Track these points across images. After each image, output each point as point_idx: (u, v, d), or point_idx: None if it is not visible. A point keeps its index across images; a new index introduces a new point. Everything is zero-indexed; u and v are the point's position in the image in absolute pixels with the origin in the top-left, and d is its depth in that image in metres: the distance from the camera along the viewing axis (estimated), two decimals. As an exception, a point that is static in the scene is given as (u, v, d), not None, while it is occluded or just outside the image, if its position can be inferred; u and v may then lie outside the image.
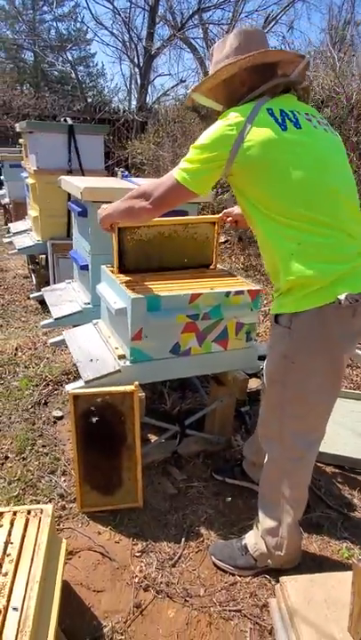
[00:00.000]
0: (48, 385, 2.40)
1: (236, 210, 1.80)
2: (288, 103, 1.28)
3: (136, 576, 1.42)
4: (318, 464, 1.98)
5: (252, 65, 1.26)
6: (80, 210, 2.09)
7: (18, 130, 3.69)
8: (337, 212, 1.21)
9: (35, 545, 1.15)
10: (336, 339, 1.23)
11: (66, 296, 2.33)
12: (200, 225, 1.90)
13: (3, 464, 1.85)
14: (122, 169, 2.61)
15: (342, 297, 1.16)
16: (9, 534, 1.17)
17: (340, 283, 1.18)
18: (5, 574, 1.07)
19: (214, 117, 1.33)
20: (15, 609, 1.00)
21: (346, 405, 2.38)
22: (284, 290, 1.25)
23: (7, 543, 1.14)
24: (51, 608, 1.08)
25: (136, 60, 9.69)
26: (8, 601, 1.02)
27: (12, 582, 1.06)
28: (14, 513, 1.24)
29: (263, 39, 1.34)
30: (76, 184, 2.05)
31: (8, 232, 4.20)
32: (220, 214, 1.87)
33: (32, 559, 1.11)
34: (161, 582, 1.41)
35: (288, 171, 1.19)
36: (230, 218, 1.83)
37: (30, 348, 2.77)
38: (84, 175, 3.24)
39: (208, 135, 1.26)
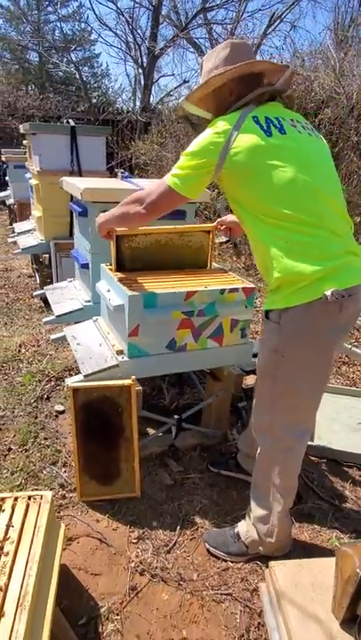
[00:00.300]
0: (50, 380, 2.47)
1: (229, 218, 1.87)
2: (274, 110, 1.34)
3: (132, 561, 1.49)
4: (312, 457, 2.04)
5: (240, 75, 1.33)
6: (80, 210, 2.15)
7: (22, 131, 3.77)
8: (322, 211, 1.27)
9: (34, 528, 1.21)
10: (324, 333, 1.28)
11: (67, 294, 2.39)
12: (195, 233, 1.95)
13: (6, 455, 1.92)
14: (122, 170, 2.67)
15: (328, 293, 1.21)
16: (10, 518, 1.23)
17: (326, 279, 1.23)
18: (7, 554, 1.14)
19: (204, 126, 1.40)
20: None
21: (340, 401, 2.43)
22: (274, 287, 1.31)
23: (8, 526, 1.21)
24: (49, 586, 1.14)
25: (140, 61, 9.75)
26: (9, 579, 1.08)
27: (13, 562, 1.12)
28: (15, 499, 1.30)
29: (250, 51, 1.42)
30: (76, 185, 2.11)
31: (13, 232, 4.28)
32: (215, 222, 1.94)
33: (32, 541, 1.18)
34: (156, 567, 1.47)
35: (274, 174, 1.25)
36: (224, 226, 1.89)
37: (34, 345, 2.84)
38: (81, 176, 3.31)
39: (197, 143, 1.33)
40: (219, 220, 1.92)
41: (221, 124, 1.30)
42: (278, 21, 8.72)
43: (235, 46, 1.38)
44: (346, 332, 1.35)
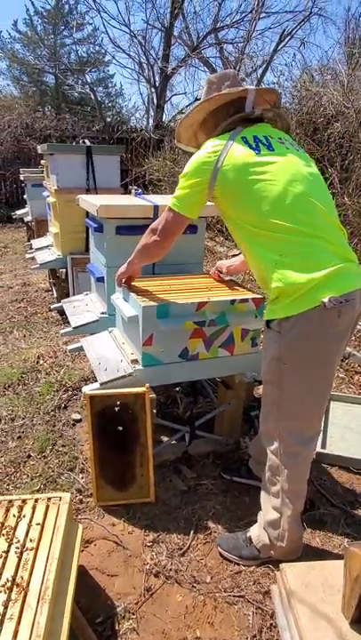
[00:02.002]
0: (67, 390, 2.55)
1: (225, 263, 2.01)
2: (262, 130, 1.44)
3: (147, 563, 1.53)
4: (324, 465, 2.06)
5: (215, 108, 1.46)
6: (96, 226, 2.25)
7: (40, 152, 3.92)
8: (315, 220, 1.33)
9: (54, 527, 1.27)
10: (324, 340, 1.33)
11: (84, 306, 2.48)
12: None
13: (26, 462, 1.99)
14: (135, 187, 2.77)
15: (326, 300, 1.26)
16: (31, 518, 1.30)
17: (323, 287, 1.28)
18: (28, 552, 1.20)
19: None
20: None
21: (353, 410, 2.45)
22: (273, 297, 1.36)
23: (29, 526, 1.27)
24: (68, 583, 1.20)
25: (152, 81, 10.02)
26: (30, 574, 1.15)
27: (34, 559, 1.19)
28: (36, 500, 1.37)
29: (224, 81, 1.52)
30: (92, 202, 2.21)
31: (30, 248, 4.43)
32: (213, 270, 2.08)
33: (52, 539, 1.24)
34: (170, 569, 1.52)
35: (263, 187, 1.33)
36: (224, 270, 2.02)
37: (51, 357, 2.93)
38: (96, 193, 3.43)
39: (190, 164, 1.44)
40: (217, 265, 2.05)
41: (211, 145, 1.41)
42: (288, 38, 8.91)
43: (211, 82, 1.52)
44: (346, 338, 1.39)
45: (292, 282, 1.30)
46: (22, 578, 1.12)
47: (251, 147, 1.38)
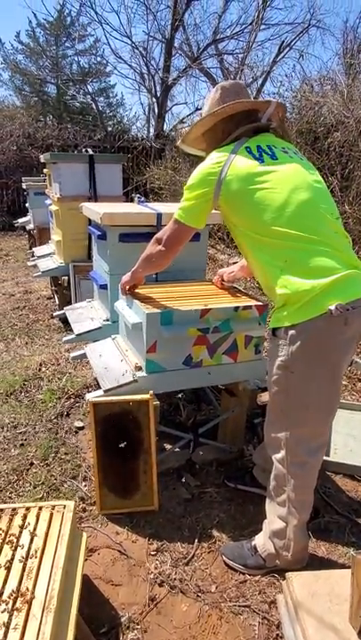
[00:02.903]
0: (70, 398, 2.54)
1: (226, 270, 2.04)
2: (265, 140, 1.46)
3: (151, 572, 1.52)
4: (328, 473, 2.05)
5: (227, 115, 1.47)
6: (99, 233, 2.26)
7: (42, 160, 3.95)
8: (320, 227, 1.34)
9: (58, 536, 1.26)
10: (331, 347, 1.33)
11: (86, 313, 2.49)
12: None
13: (28, 470, 1.98)
14: (138, 195, 2.79)
15: (333, 307, 1.26)
16: (35, 526, 1.29)
17: (329, 294, 1.28)
18: (32, 561, 1.19)
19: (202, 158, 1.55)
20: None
21: (356, 417, 2.44)
22: (280, 305, 1.36)
23: (34, 534, 1.26)
24: (73, 592, 1.18)
25: (153, 91, 10.12)
26: (35, 583, 1.13)
27: (38, 567, 1.17)
28: (40, 508, 1.36)
29: (240, 90, 1.55)
30: (95, 210, 2.22)
31: (32, 256, 4.44)
32: (215, 278, 2.10)
33: (56, 548, 1.23)
34: (175, 579, 1.50)
35: (268, 196, 1.35)
36: (225, 277, 2.04)
37: (53, 364, 2.93)
38: (97, 201, 3.45)
39: (195, 175, 1.46)
40: (218, 272, 2.08)
41: (215, 156, 1.43)
42: (288, 49, 9.02)
43: (224, 89, 1.53)
44: (353, 345, 1.39)
45: (297, 289, 1.30)
46: (27, 587, 1.11)
47: (254, 157, 1.40)
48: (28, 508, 1.35)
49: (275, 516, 1.52)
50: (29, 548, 1.21)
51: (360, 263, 1.38)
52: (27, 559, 1.18)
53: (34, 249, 4.69)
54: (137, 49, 9.76)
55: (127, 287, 1.86)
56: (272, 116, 1.50)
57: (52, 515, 1.33)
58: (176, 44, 9.86)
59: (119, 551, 1.59)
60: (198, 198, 1.46)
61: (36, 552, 1.21)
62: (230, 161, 1.39)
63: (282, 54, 8.75)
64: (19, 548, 1.21)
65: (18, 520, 1.29)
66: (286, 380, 1.38)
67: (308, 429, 1.41)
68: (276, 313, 1.37)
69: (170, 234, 1.55)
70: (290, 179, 1.37)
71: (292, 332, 1.33)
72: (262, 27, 9.15)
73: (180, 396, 2.45)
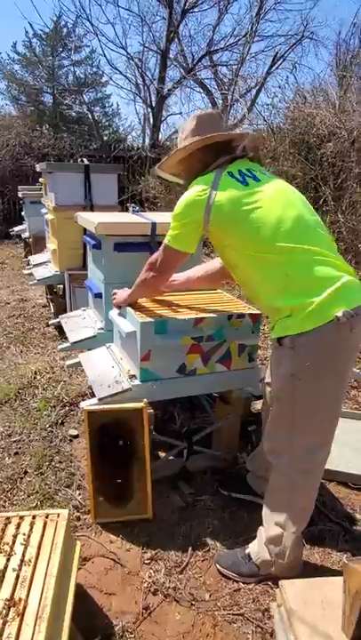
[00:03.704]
0: (65, 406, 2.54)
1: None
2: (243, 165, 1.52)
3: (145, 581, 1.52)
4: (322, 480, 2.05)
5: (203, 146, 1.52)
6: (95, 243, 2.28)
7: (38, 170, 3.98)
8: (314, 239, 1.39)
9: (52, 544, 1.26)
10: (338, 354, 1.35)
11: (81, 322, 2.50)
12: None
13: (22, 478, 1.98)
14: (133, 205, 2.82)
15: (340, 314, 1.29)
16: (29, 535, 1.29)
17: (334, 301, 1.31)
18: (26, 569, 1.19)
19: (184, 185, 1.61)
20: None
21: (350, 425, 2.45)
22: (286, 314, 1.37)
23: (27, 543, 1.26)
24: (66, 600, 1.19)
25: (149, 101, 10.23)
26: (28, 592, 1.13)
27: (32, 576, 1.17)
28: (34, 517, 1.36)
29: (216, 121, 1.61)
30: (90, 219, 2.25)
31: (28, 264, 4.45)
32: None
33: (49, 556, 1.23)
34: (169, 587, 1.50)
35: (262, 215, 1.39)
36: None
37: (48, 372, 2.93)
38: (93, 211, 3.48)
39: (181, 204, 1.51)
40: None
41: (201, 184, 1.47)
42: (281, 61, 9.16)
43: (200, 119, 1.59)
44: (356, 352, 1.42)
45: (302, 298, 1.33)
46: (20, 596, 1.11)
47: (238, 180, 1.46)
48: (21, 517, 1.35)
49: (272, 522, 1.52)
50: (23, 557, 1.21)
51: (353, 270, 1.42)
52: (20, 568, 1.18)
53: (29, 257, 4.70)
54: (132, 60, 9.88)
55: (121, 305, 1.91)
56: (246, 146, 1.56)
57: (45, 523, 1.33)
58: (171, 56, 10.00)
59: (113, 560, 1.59)
60: (187, 226, 1.51)
61: (29, 561, 1.21)
62: (216, 187, 1.44)
63: (275, 66, 8.90)
64: (12, 556, 1.21)
65: (11, 529, 1.29)
66: (293, 388, 1.39)
67: (315, 437, 1.43)
68: (281, 322, 1.38)
69: (162, 259, 1.61)
70: (277, 197, 1.44)
71: (299, 340, 1.34)
72: (256, 38, 9.31)
73: (175, 404, 2.46)
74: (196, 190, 1.48)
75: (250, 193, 1.43)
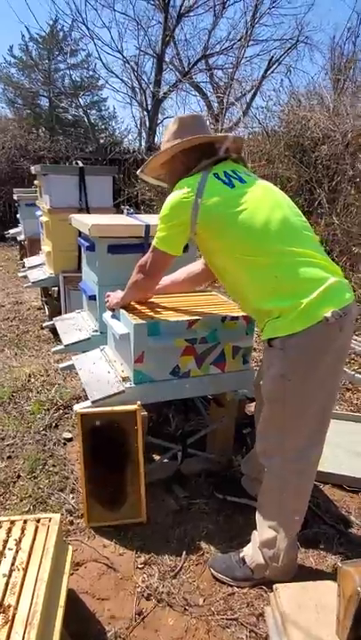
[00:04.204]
0: (59, 409, 2.52)
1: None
2: (228, 167, 1.52)
3: (139, 586, 1.50)
4: (316, 482, 2.05)
5: (185, 149, 1.53)
6: (88, 245, 2.27)
7: (33, 172, 3.97)
8: (301, 240, 1.39)
9: (43, 549, 1.25)
10: (328, 354, 1.34)
11: (76, 324, 2.48)
12: None
13: (15, 482, 1.96)
14: (127, 207, 2.81)
15: (329, 314, 1.28)
16: (20, 540, 1.27)
17: (323, 302, 1.31)
18: (16, 575, 1.17)
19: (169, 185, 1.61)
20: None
21: (344, 427, 2.45)
22: (276, 315, 1.37)
23: (18, 547, 1.25)
24: (57, 606, 1.17)
25: (145, 104, 10.25)
26: (18, 598, 1.12)
27: (22, 582, 1.16)
28: (25, 521, 1.34)
29: (198, 123, 1.60)
30: (84, 221, 2.24)
31: (23, 266, 4.44)
32: None
33: (40, 562, 1.21)
34: (162, 592, 1.49)
35: (250, 217, 1.39)
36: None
37: (43, 375, 2.91)
38: (88, 213, 3.47)
39: (167, 206, 1.50)
40: None
41: (186, 186, 1.47)
42: (276, 64, 9.21)
43: (182, 121, 1.59)
44: (346, 351, 1.42)
45: (291, 300, 1.32)
46: (9, 602, 1.10)
47: (224, 182, 1.46)
48: (12, 522, 1.33)
49: (265, 525, 1.51)
50: (13, 562, 1.20)
51: (340, 270, 1.42)
52: (10, 573, 1.17)
53: (24, 260, 4.68)
54: (128, 63, 9.93)
55: (114, 308, 1.90)
56: (229, 148, 1.56)
57: (37, 528, 1.32)
58: (167, 59, 10.05)
59: (106, 564, 1.57)
60: (174, 228, 1.50)
61: (20, 566, 1.19)
62: (202, 189, 1.44)
63: (271, 69, 8.94)
64: (2, 562, 1.19)
65: (2, 534, 1.28)
66: (284, 390, 1.38)
67: (306, 437, 1.42)
68: (271, 323, 1.38)
69: (151, 262, 1.61)
70: (264, 199, 1.44)
71: (289, 341, 1.34)
72: (251, 43, 9.36)
73: (169, 406, 2.44)
74: (182, 192, 1.47)
75: (236, 195, 1.43)
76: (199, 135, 1.54)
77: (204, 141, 1.54)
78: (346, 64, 7.29)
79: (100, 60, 15.71)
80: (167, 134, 1.61)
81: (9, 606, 1.09)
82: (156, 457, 2.10)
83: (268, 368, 1.43)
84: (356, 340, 3.26)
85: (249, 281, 1.43)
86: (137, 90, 10.19)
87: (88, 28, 10.00)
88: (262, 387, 1.50)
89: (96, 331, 2.32)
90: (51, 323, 2.88)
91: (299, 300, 1.31)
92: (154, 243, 1.57)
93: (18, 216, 5.98)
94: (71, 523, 1.75)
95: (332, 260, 1.52)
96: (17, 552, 1.23)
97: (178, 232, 1.51)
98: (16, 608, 1.09)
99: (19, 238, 5.90)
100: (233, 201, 1.41)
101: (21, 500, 1.85)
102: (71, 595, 1.41)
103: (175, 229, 1.51)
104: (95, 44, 11.48)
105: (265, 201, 1.43)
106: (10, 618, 1.06)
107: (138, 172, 1.76)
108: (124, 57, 9.94)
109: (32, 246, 5.00)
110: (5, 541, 1.25)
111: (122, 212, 2.75)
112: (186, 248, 2.39)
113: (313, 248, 1.40)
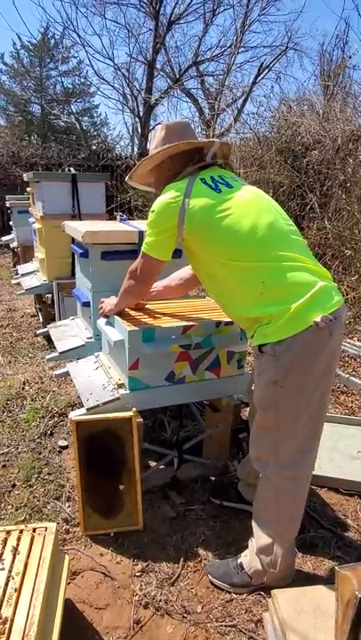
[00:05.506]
0: (54, 416, 2.51)
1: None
2: (215, 172, 1.53)
3: (136, 594, 1.49)
4: (313, 486, 2.05)
5: (172, 154, 1.54)
6: (82, 251, 2.27)
7: (26, 179, 3.97)
8: (289, 245, 1.40)
9: (39, 559, 1.24)
10: (318, 359, 1.34)
11: (70, 331, 2.48)
12: None
13: (10, 491, 1.94)
14: (120, 213, 2.82)
15: (318, 319, 1.29)
16: (16, 550, 1.26)
17: (312, 307, 1.31)
18: (13, 585, 1.16)
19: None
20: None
21: (340, 430, 2.46)
22: (265, 322, 1.37)
23: (14, 558, 1.24)
24: (54, 617, 1.16)
25: (136, 111, 10.29)
26: (15, 609, 1.11)
27: (19, 593, 1.15)
28: (21, 531, 1.33)
29: (185, 130, 1.62)
30: (77, 228, 2.24)
31: (16, 274, 4.42)
32: None
33: (37, 572, 1.20)
34: (160, 600, 1.48)
35: (236, 222, 1.39)
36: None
37: (37, 382, 2.90)
38: (81, 219, 3.47)
39: (155, 212, 1.51)
40: None
41: (173, 190, 1.47)
42: (267, 71, 9.29)
43: (169, 128, 1.60)
44: (337, 355, 1.42)
45: (280, 306, 1.32)
46: (6, 614, 1.08)
47: (211, 187, 1.46)
48: (8, 532, 1.32)
49: (262, 532, 1.51)
50: (9, 573, 1.19)
51: (329, 274, 1.43)
52: (6, 584, 1.16)
53: (18, 267, 4.67)
54: (119, 70, 9.97)
55: (107, 315, 1.90)
56: (216, 153, 1.57)
57: (33, 538, 1.30)
58: (158, 66, 10.10)
59: (103, 573, 1.56)
60: (161, 234, 1.51)
61: (16, 577, 1.18)
62: (189, 194, 1.44)
63: (261, 76, 9.01)
64: (-2, 573, 1.18)
65: (-2, 544, 1.27)
66: (276, 396, 1.38)
67: (299, 442, 1.41)
68: (261, 330, 1.38)
69: (141, 267, 1.61)
70: (251, 203, 1.44)
71: (279, 347, 1.33)
72: (241, 49, 9.45)
73: (164, 412, 2.44)
74: (168, 196, 1.48)
75: (223, 200, 1.43)
76: (185, 141, 1.55)
77: (191, 147, 1.54)
78: (335, 70, 7.38)
79: (92, 67, 15.81)
80: (155, 141, 1.62)
81: (6, 619, 1.07)
82: (152, 463, 2.09)
83: (260, 374, 1.42)
84: (349, 343, 3.28)
85: (236, 287, 1.42)
86: (128, 96, 10.24)
87: (79, 36, 10.09)
88: (254, 394, 1.49)
89: (90, 337, 2.31)
90: (45, 330, 2.87)
91: (287, 306, 1.32)
92: (143, 248, 1.57)
93: (10, 223, 5.96)
94: (67, 531, 1.74)
95: (325, 263, 1.53)
96: (13, 562, 1.22)
97: (166, 237, 1.51)
98: (12, 620, 1.08)
99: (11, 245, 5.89)
100: (219, 206, 1.42)
101: (17, 510, 1.83)
102: (68, 604, 1.40)
103: (163, 235, 1.51)
104: (86, 52, 11.52)
105: (252, 206, 1.43)
106: (7, 630, 1.05)
107: (126, 178, 1.77)
108: (115, 64, 10.00)
109: (25, 253, 4.99)
110: (1, 552, 1.24)
111: (114, 219, 2.76)
112: (179, 253, 2.41)
113: (301, 252, 1.40)
